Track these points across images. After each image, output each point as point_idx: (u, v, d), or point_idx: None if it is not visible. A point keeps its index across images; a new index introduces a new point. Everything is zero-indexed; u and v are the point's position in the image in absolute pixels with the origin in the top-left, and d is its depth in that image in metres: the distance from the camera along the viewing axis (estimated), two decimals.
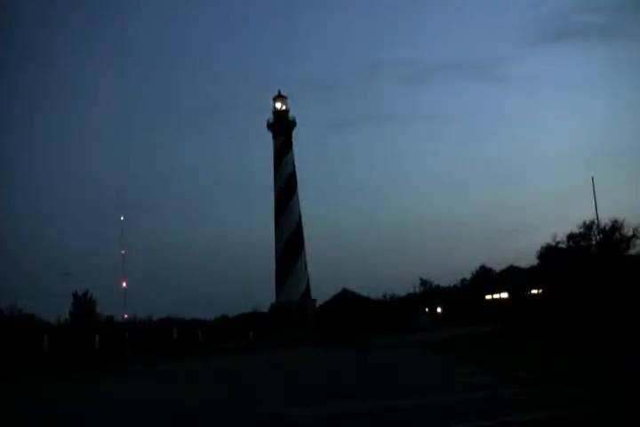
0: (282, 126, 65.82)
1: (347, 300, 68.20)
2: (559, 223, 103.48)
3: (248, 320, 68.48)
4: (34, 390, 23.97)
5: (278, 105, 66.93)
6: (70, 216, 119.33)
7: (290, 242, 63.54)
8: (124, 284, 54.94)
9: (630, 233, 33.06)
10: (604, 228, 33.62)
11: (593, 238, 34.25)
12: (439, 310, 75.28)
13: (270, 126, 66.46)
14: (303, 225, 65.29)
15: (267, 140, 67.60)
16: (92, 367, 36.05)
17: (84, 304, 56.54)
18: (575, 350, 19.08)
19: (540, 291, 34.46)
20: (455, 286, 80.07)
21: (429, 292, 77.29)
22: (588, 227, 34.05)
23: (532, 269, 36.64)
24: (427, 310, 72.50)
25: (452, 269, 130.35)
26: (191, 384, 21.02)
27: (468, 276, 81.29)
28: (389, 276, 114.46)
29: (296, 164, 66.11)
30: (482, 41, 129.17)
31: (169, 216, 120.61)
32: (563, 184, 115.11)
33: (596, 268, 28.42)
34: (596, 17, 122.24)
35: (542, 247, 33.52)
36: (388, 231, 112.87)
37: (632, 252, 32.94)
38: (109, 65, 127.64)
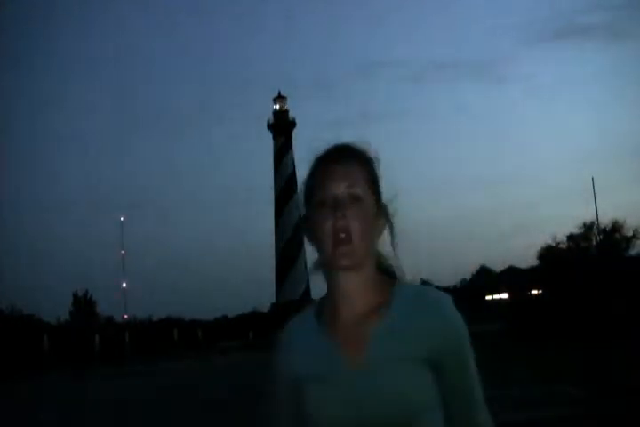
0: (282, 127, 65.89)
1: None
2: (559, 223, 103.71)
3: (248, 320, 68.52)
4: (33, 389, 23.99)
5: (278, 105, 67.03)
6: (70, 216, 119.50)
7: (290, 242, 63.57)
8: (124, 284, 55.08)
9: (630, 234, 33.09)
10: (604, 228, 33.63)
11: (593, 239, 34.26)
12: None
13: (270, 127, 66.55)
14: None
15: (267, 141, 67.75)
16: (92, 368, 36.06)
17: (84, 304, 56.60)
18: (575, 349, 19.10)
19: (540, 291, 34.45)
20: (455, 286, 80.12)
21: None
22: (589, 227, 34.04)
23: (531, 270, 36.57)
24: None
25: (452, 269, 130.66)
26: (191, 384, 21.05)
27: (467, 276, 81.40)
28: None
29: (296, 164, 66.27)
30: (481, 41, 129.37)
31: (169, 216, 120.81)
32: (563, 184, 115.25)
33: (596, 268, 28.42)
34: (596, 17, 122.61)
35: (542, 247, 33.51)
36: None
37: (632, 252, 32.96)
38: (109, 64, 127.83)
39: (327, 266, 1.48)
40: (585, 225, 33.87)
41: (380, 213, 1.50)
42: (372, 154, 1.53)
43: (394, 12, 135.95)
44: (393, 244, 1.54)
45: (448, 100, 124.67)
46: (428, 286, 1.52)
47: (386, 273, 1.52)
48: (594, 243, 34.00)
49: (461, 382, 1.43)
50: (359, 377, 1.39)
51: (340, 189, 1.44)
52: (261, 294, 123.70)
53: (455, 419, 1.43)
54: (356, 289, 1.46)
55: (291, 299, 62.23)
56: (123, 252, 56.13)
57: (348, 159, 1.48)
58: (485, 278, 76.36)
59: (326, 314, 1.50)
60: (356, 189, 1.44)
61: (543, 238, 49.46)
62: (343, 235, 1.40)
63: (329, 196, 1.43)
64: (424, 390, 1.37)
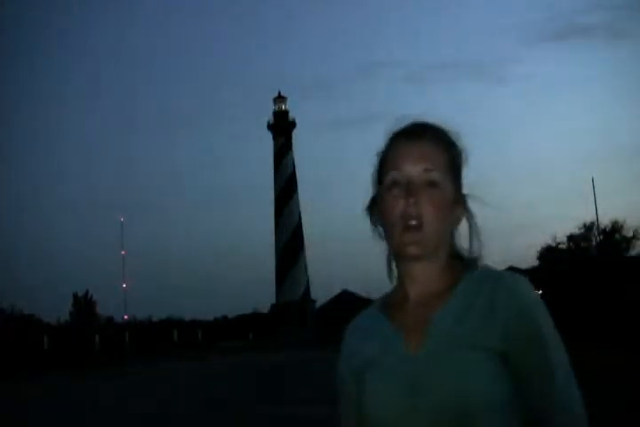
0: (282, 127, 65.87)
1: (347, 301, 68.21)
2: (559, 223, 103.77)
3: (248, 321, 68.54)
4: (33, 390, 23.99)
5: (278, 106, 67.03)
6: (70, 216, 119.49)
7: (290, 242, 63.55)
8: (124, 284, 55.02)
9: (630, 234, 33.11)
10: (605, 229, 33.67)
11: (593, 239, 34.32)
12: None
13: (270, 127, 66.53)
14: (303, 225, 65.38)
15: (267, 141, 67.75)
16: (92, 368, 36.07)
17: (84, 305, 56.60)
18: (575, 349, 19.14)
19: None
20: None
21: None
22: (589, 228, 34.11)
23: (532, 270, 36.65)
24: None
25: None
26: (191, 384, 21.06)
27: None
28: None
29: (296, 164, 66.27)
30: (481, 41, 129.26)
31: (169, 216, 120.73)
32: (563, 184, 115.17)
33: (596, 269, 28.44)
34: (596, 17, 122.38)
35: (542, 248, 33.60)
36: None
37: (632, 253, 32.98)
38: (109, 64, 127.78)
39: (395, 253, 1.36)
40: (585, 225, 33.95)
41: (459, 202, 1.37)
42: (456, 138, 1.42)
43: (394, 11, 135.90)
44: (472, 236, 1.38)
45: (448, 100, 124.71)
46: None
47: (460, 261, 1.38)
48: (594, 243, 34.04)
49: (539, 371, 1.26)
50: (415, 363, 1.28)
51: (415, 171, 1.31)
52: (261, 294, 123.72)
53: (540, 413, 1.27)
54: (425, 277, 1.34)
55: (291, 299, 62.22)
56: (123, 252, 56.06)
57: (428, 139, 1.35)
58: None
59: (393, 301, 1.40)
60: (433, 173, 1.32)
61: (543, 238, 49.57)
62: (413, 222, 1.28)
63: (403, 178, 1.31)
64: (484, 379, 1.22)
